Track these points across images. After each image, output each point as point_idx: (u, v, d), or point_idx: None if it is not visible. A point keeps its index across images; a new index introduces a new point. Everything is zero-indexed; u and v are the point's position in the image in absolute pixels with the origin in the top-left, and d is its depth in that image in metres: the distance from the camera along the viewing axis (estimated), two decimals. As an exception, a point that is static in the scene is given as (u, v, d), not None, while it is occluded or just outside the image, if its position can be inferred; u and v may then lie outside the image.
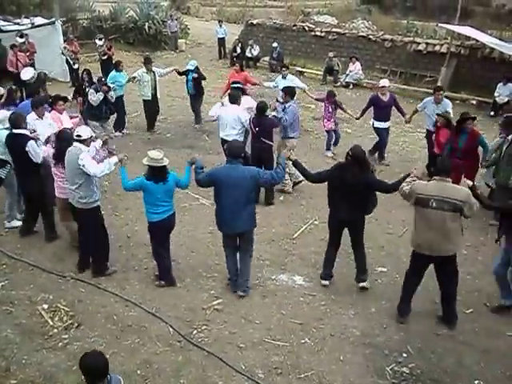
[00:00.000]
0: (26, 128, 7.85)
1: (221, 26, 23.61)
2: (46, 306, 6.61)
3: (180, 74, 13.91)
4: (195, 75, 13.26)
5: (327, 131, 12.01)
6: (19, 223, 8.47)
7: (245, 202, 6.51)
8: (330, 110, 11.84)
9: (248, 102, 10.24)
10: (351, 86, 18.35)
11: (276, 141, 9.82)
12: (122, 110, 13.01)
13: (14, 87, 10.53)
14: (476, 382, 5.60)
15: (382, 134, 11.47)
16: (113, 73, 12.96)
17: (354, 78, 18.63)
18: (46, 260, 7.64)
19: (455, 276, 6.27)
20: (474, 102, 16.20)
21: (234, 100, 9.75)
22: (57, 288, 7.02)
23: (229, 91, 10.90)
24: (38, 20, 18.15)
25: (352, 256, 7.34)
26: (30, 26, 17.45)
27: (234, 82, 10.04)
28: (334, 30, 22.16)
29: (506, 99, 14.62)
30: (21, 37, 16.07)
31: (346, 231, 7.00)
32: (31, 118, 8.35)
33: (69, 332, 6.19)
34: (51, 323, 6.31)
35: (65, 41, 17.31)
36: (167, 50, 24.33)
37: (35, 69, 13.25)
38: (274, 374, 5.65)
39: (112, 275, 7.27)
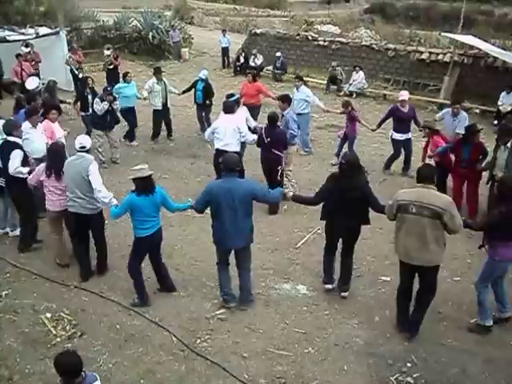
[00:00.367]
0: (19, 136, 7.90)
1: (224, 35, 23.70)
2: (49, 315, 6.60)
3: (184, 92, 13.88)
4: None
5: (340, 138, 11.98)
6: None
7: (244, 216, 6.45)
8: (345, 119, 11.84)
9: (244, 114, 10.27)
10: (354, 95, 18.37)
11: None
12: (131, 123, 13.03)
13: (21, 96, 10.61)
14: (481, 392, 5.57)
15: (399, 146, 11.26)
16: (120, 83, 13.04)
17: (357, 87, 18.66)
18: (49, 269, 7.64)
19: (431, 291, 6.12)
20: (478, 110, 16.20)
21: (230, 110, 9.73)
22: (60, 297, 7.02)
23: (224, 100, 10.73)
24: (43, 30, 18.30)
25: (355, 265, 7.34)
26: (34, 35, 17.60)
27: (229, 95, 9.99)
28: (338, 39, 22.22)
29: (510, 108, 14.56)
30: (26, 46, 16.21)
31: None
32: (26, 126, 8.41)
33: (72, 341, 6.18)
34: (54, 332, 6.31)
35: (69, 50, 17.41)
36: (171, 59, 24.43)
37: (40, 78, 13.33)
38: (277, 383, 5.62)
39: (115, 284, 7.27)
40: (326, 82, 19.48)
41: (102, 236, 7.52)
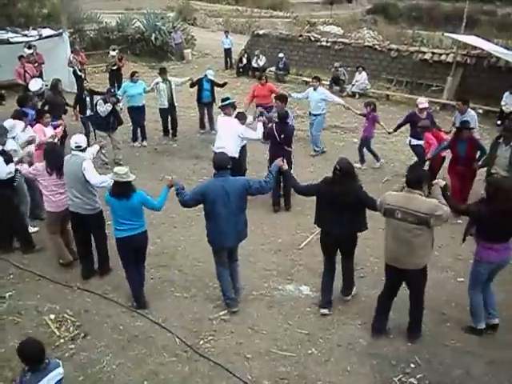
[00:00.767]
0: (4, 140, 7.93)
1: (227, 36, 23.73)
2: (52, 316, 6.62)
3: (193, 85, 14.00)
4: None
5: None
6: (34, 229, 8.51)
7: (239, 211, 6.49)
8: (365, 120, 11.80)
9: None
10: (357, 96, 18.34)
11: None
12: (135, 122, 13.13)
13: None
14: (485, 393, 5.56)
15: (420, 150, 11.03)
16: (126, 83, 13.15)
17: (360, 88, 18.64)
18: (52, 270, 7.66)
19: (420, 292, 6.08)
20: (481, 111, 16.13)
21: (228, 113, 9.81)
22: (63, 298, 7.04)
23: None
24: (46, 31, 18.31)
25: (359, 266, 7.34)
26: (37, 37, 17.61)
27: (224, 99, 9.98)
28: (340, 40, 22.21)
29: (513, 108, 14.58)
30: (29, 48, 16.24)
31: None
32: (17, 130, 8.49)
33: (75, 342, 6.19)
34: (58, 333, 6.32)
35: (72, 52, 17.44)
36: (174, 60, 24.46)
37: (43, 80, 13.34)
38: (280, 384, 5.62)
39: (119, 285, 7.27)
40: (328, 82, 19.45)
41: (101, 237, 7.48)
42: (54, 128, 9.50)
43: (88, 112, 12.03)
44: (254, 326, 6.50)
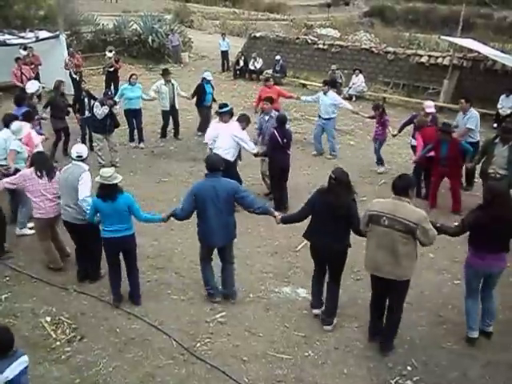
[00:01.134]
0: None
1: (224, 38, 23.76)
2: (48, 319, 6.59)
3: (194, 93, 13.88)
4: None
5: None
6: (30, 232, 8.48)
7: (228, 213, 6.59)
8: (376, 122, 11.79)
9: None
10: (354, 99, 18.37)
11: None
12: (131, 124, 13.10)
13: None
14: (481, 395, 5.57)
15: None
16: (124, 85, 13.11)
17: (357, 91, 18.69)
18: (48, 272, 7.62)
19: (399, 306, 5.95)
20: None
21: (226, 119, 9.77)
22: (60, 300, 7.01)
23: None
24: (43, 33, 18.29)
25: (355, 268, 7.34)
26: (34, 39, 17.60)
27: (223, 106, 9.91)
28: (337, 42, 22.33)
29: (509, 111, 14.61)
30: (24, 49, 16.22)
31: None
32: (7, 134, 8.50)
33: (72, 345, 6.17)
34: (54, 336, 6.30)
35: (68, 54, 17.42)
36: (171, 63, 24.46)
37: (40, 82, 13.33)
38: (277, 387, 5.61)
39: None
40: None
41: (93, 246, 7.27)
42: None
43: (86, 113, 12.01)
44: (250, 329, 6.49)
